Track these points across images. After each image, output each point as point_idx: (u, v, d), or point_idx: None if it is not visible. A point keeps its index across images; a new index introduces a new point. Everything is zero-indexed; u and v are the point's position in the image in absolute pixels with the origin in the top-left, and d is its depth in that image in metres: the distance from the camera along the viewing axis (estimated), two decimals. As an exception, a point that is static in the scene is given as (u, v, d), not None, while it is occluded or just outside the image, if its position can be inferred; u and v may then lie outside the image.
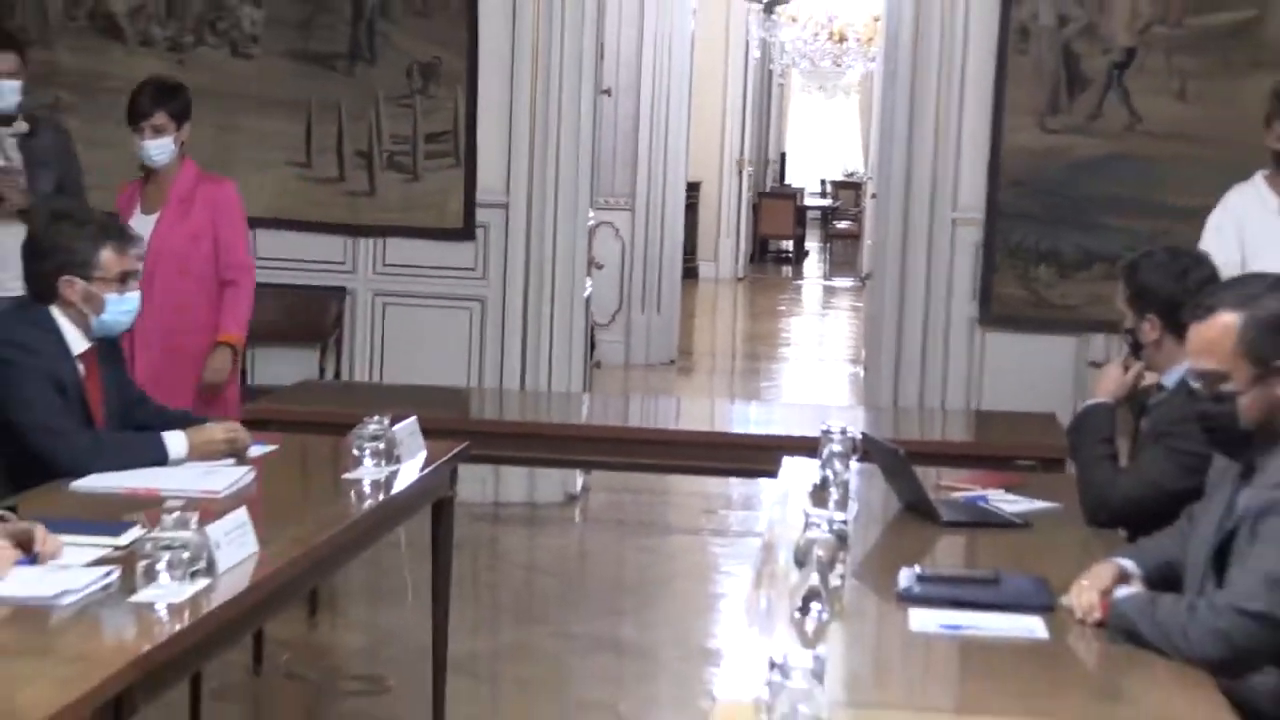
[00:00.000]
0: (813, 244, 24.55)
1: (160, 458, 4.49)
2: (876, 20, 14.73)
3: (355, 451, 4.60)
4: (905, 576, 3.56)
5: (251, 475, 4.47)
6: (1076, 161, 7.50)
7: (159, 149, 6.23)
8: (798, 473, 4.65)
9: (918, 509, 4.32)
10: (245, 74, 7.98)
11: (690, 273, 16.64)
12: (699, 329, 15.59)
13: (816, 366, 14.27)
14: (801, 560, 3.37)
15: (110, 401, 4.67)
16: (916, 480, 4.35)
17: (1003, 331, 7.63)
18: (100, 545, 3.60)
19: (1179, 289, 4.21)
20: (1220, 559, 3.31)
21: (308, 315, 7.97)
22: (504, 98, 7.86)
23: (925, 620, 3.37)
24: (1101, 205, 7.45)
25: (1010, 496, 4.50)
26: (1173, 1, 7.41)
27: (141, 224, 5.97)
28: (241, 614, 3.51)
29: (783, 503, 4.49)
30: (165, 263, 6.07)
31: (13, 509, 3.64)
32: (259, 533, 3.67)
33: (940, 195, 7.66)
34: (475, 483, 7.48)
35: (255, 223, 7.88)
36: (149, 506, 3.77)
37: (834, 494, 4.09)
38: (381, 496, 4.47)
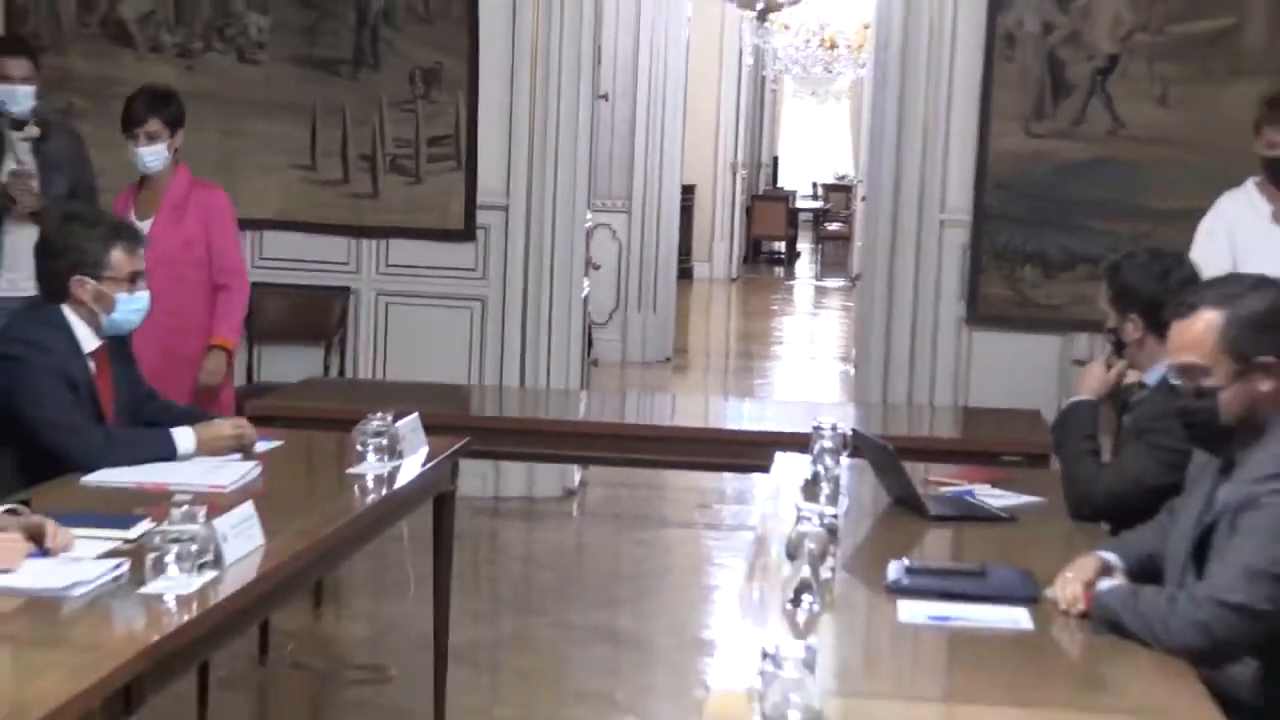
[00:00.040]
0: (804, 245, 24.57)
1: (169, 453, 4.49)
2: (867, 28, 14.71)
3: (359, 447, 4.60)
4: (894, 569, 3.56)
5: (258, 470, 4.47)
6: (1061, 165, 7.50)
7: (153, 155, 6.21)
8: (790, 468, 4.65)
9: (906, 503, 4.32)
10: (252, 79, 7.97)
11: (685, 273, 16.64)
12: (694, 328, 15.59)
13: (808, 364, 14.27)
14: (793, 553, 3.37)
15: (120, 398, 4.67)
16: (905, 475, 4.35)
17: (989, 330, 7.63)
18: (110, 538, 3.60)
19: (1160, 289, 4.21)
20: (1200, 552, 3.31)
21: (313, 314, 7.97)
22: (504, 103, 7.85)
23: (914, 612, 3.37)
24: (1085, 208, 7.45)
25: (996, 491, 4.50)
26: (1154, 10, 7.41)
27: (136, 229, 5.96)
28: (248, 605, 3.51)
29: (775, 497, 4.48)
30: (160, 267, 6.02)
31: (25, 503, 3.63)
32: (265, 526, 3.67)
33: (928, 198, 7.66)
34: (476, 478, 7.48)
35: (262, 224, 7.94)
36: (158, 500, 3.76)
37: (825, 489, 4.08)
38: (384, 491, 4.47)
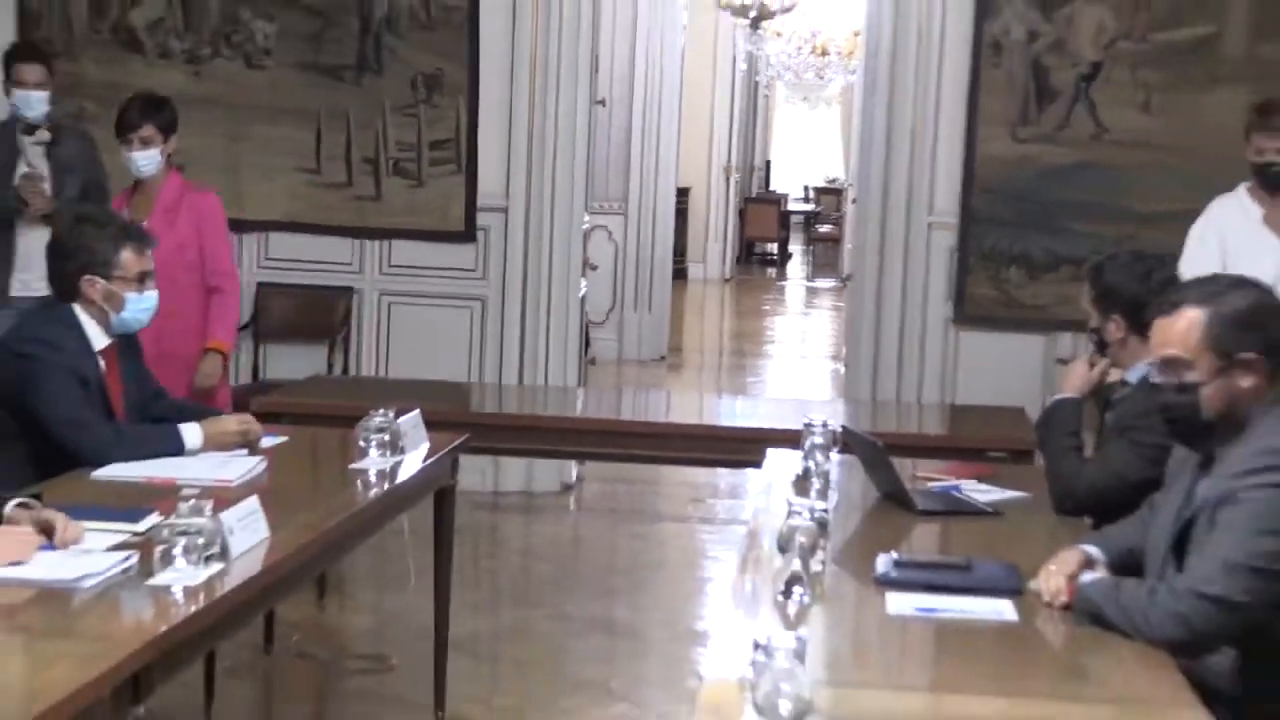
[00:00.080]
0: (796, 247, 24.53)
1: (177, 448, 4.49)
2: (857, 35, 14.70)
3: (362, 443, 4.60)
4: (882, 562, 3.56)
5: (263, 465, 4.47)
6: (1045, 169, 7.50)
7: (146, 160, 6.19)
8: (781, 463, 4.65)
9: (895, 498, 4.32)
10: (258, 85, 7.96)
11: (680, 274, 16.63)
12: (688, 327, 15.57)
13: (799, 363, 14.27)
14: (784, 546, 3.37)
15: (130, 395, 4.67)
16: (894, 471, 4.35)
17: (975, 330, 7.63)
18: (120, 531, 3.60)
19: (1142, 290, 4.21)
20: (1180, 546, 3.31)
21: (317, 313, 7.96)
22: (504, 107, 7.85)
23: (901, 603, 3.37)
24: (1069, 211, 7.45)
25: (982, 486, 4.50)
26: (1137, 18, 7.41)
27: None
28: (253, 596, 3.51)
29: (767, 492, 4.48)
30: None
31: (37, 497, 3.64)
32: (270, 519, 3.67)
33: (917, 201, 7.66)
34: (475, 473, 7.48)
35: (268, 226, 7.95)
36: (166, 495, 3.76)
37: (815, 484, 4.09)
38: (386, 486, 4.47)
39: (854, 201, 11.37)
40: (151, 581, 3.28)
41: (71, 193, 6.33)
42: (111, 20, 8.01)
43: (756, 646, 2.58)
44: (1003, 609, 3.35)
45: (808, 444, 4.24)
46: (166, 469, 4.31)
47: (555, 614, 6.41)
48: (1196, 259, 5.55)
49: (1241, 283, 3.41)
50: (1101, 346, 4.41)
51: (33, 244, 5.99)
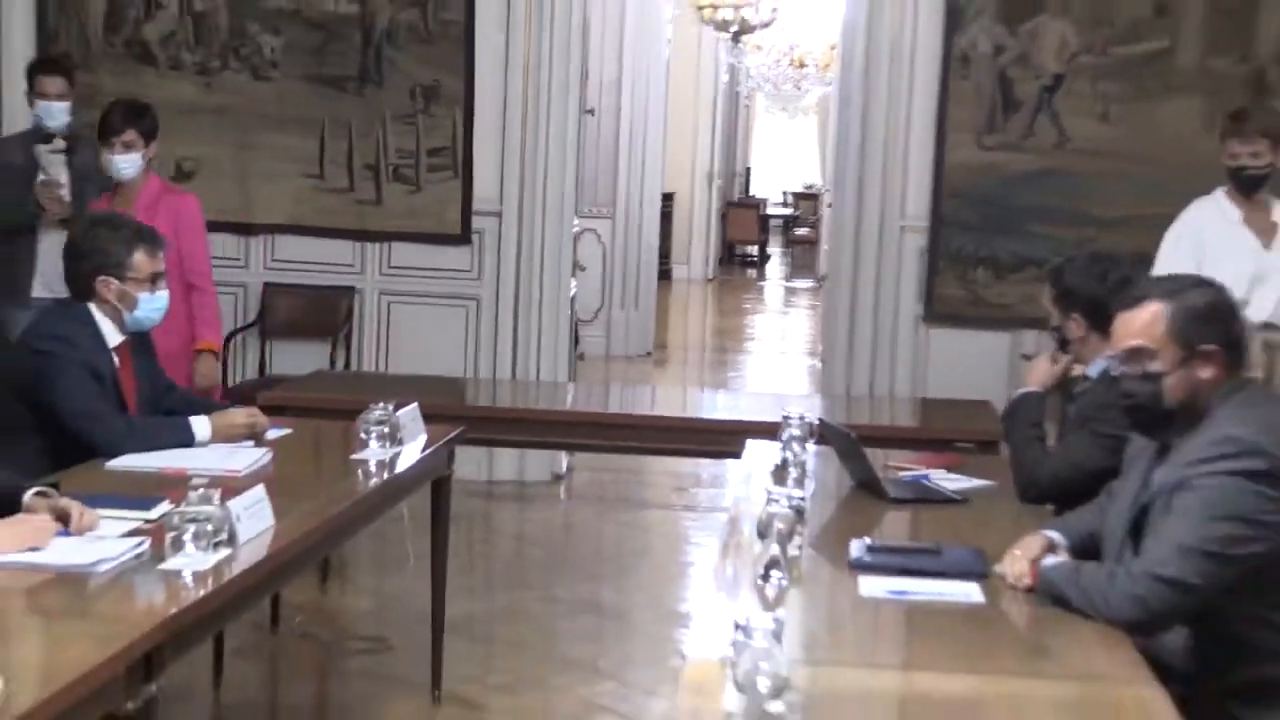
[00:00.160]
0: (775, 249, 24.55)
1: (187, 440, 4.48)
2: (833, 49, 14.71)
3: (362, 434, 4.59)
4: (856, 547, 3.56)
5: (269, 456, 4.46)
6: (1011, 176, 7.52)
7: (128, 163, 6.12)
8: (760, 454, 4.64)
9: (868, 487, 4.32)
10: (265, 95, 7.95)
11: (665, 274, 16.62)
12: (673, 325, 15.58)
13: (778, 359, 14.27)
14: (763, 532, 3.36)
15: (142, 389, 4.66)
16: (867, 461, 4.35)
17: (944, 328, 7.65)
18: (133, 518, 3.59)
19: (1101, 289, 4.21)
20: (1137, 530, 3.31)
21: (321, 312, 7.95)
22: (498, 117, 7.84)
23: (874, 586, 3.37)
24: (1033, 215, 7.47)
25: (951, 476, 4.50)
26: (1097, 33, 7.43)
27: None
28: (259, 580, 3.51)
29: (747, 481, 4.47)
30: None
31: (55, 486, 3.63)
32: (275, 507, 3.66)
33: (889, 205, 7.67)
34: (471, 463, 7.48)
35: (274, 229, 7.95)
36: (177, 484, 3.75)
37: (793, 473, 4.07)
38: (386, 475, 4.46)
39: (830, 206, 11.39)
40: (163, 566, 3.27)
41: (90, 198, 6.30)
42: (126, 35, 8.00)
43: (737, 627, 2.58)
44: (970, 591, 3.35)
45: (786, 435, 4.23)
46: (177, 460, 4.30)
47: (546, 597, 6.41)
48: (1170, 261, 5.55)
49: (1201, 282, 3.42)
50: (1063, 343, 4.42)
51: (53, 249, 5.96)
